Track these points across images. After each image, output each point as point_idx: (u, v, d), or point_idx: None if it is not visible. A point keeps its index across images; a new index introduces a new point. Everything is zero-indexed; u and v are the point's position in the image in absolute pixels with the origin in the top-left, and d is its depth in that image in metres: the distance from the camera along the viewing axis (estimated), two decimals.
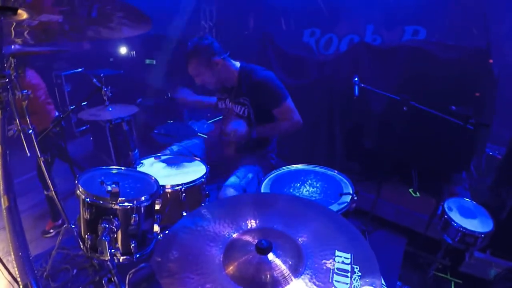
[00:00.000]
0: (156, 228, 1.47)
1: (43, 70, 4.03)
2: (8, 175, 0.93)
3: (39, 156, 1.76)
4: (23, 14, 0.90)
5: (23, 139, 1.54)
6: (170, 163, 1.91)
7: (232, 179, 1.78)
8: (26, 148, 1.54)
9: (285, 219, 0.99)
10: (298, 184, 1.57)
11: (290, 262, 0.82)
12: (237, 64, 1.92)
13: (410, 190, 2.80)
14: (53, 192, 1.86)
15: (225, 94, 1.98)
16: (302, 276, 0.80)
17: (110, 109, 2.00)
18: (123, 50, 4.53)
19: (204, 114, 4.38)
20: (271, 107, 1.85)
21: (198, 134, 3.79)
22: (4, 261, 1.01)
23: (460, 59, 2.47)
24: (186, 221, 1.06)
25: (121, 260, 1.34)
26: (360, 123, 2.98)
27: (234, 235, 0.94)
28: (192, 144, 2.16)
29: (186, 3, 4.51)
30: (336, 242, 0.89)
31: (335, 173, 1.68)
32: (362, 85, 2.17)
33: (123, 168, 1.60)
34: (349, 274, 0.79)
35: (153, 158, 1.94)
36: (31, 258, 0.93)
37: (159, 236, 1.47)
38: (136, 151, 1.89)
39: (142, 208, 1.35)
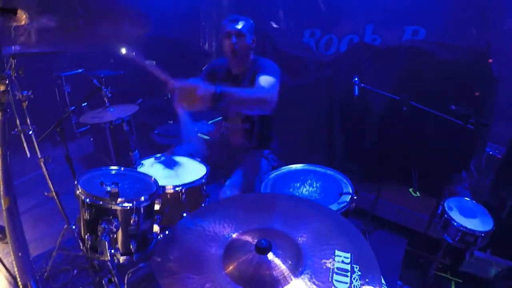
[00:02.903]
0: (156, 228, 1.47)
1: (43, 71, 4.03)
2: (8, 176, 0.94)
3: (39, 156, 1.76)
4: (22, 16, 0.90)
5: (23, 140, 1.54)
6: (170, 163, 1.91)
7: (233, 179, 1.79)
8: (26, 149, 1.55)
9: (285, 219, 0.99)
10: (298, 184, 1.57)
11: (289, 262, 0.83)
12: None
13: (410, 190, 2.80)
14: (54, 193, 1.86)
15: (228, 82, 1.98)
16: (302, 276, 0.80)
17: (112, 110, 2.00)
18: (123, 51, 4.53)
19: (205, 114, 4.38)
20: (258, 74, 1.77)
21: (198, 135, 3.79)
22: (4, 261, 1.01)
23: (460, 59, 2.47)
24: (186, 221, 1.07)
25: (121, 260, 1.34)
26: (360, 123, 2.98)
27: (234, 235, 0.94)
28: (192, 146, 2.16)
29: (186, 4, 4.52)
30: (336, 242, 0.89)
31: (334, 173, 1.68)
32: (362, 85, 2.18)
33: (122, 168, 1.60)
34: (349, 274, 0.79)
35: (153, 158, 1.94)
36: (31, 258, 0.93)
37: (159, 237, 1.48)
38: (136, 151, 1.89)
39: (142, 209, 1.35)
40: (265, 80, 1.71)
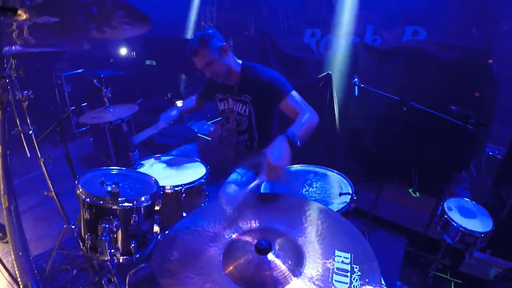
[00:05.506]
0: (156, 228, 1.47)
1: (43, 71, 4.04)
2: (8, 175, 0.94)
3: (39, 156, 1.76)
4: (22, 15, 0.90)
5: (23, 140, 1.54)
6: (170, 163, 1.91)
7: (233, 176, 1.78)
8: (26, 148, 1.55)
9: (285, 219, 0.99)
10: (298, 184, 1.57)
11: (289, 262, 0.83)
12: (239, 61, 1.93)
13: (410, 190, 2.80)
14: (53, 193, 1.86)
15: (227, 93, 1.98)
16: (302, 276, 0.80)
17: (112, 110, 2.00)
18: (123, 51, 4.54)
19: (204, 115, 4.39)
20: (276, 101, 1.77)
21: (198, 135, 3.78)
22: (4, 261, 1.01)
23: (460, 59, 2.47)
24: (186, 221, 1.07)
25: (121, 260, 1.34)
26: (360, 123, 2.98)
27: (234, 236, 0.94)
28: (192, 148, 2.16)
29: (186, 4, 4.52)
30: (335, 242, 0.90)
31: (334, 173, 1.68)
32: (362, 85, 2.18)
33: (123, 168, 1.60)
34: (348, 274, 0.79)
35: (153, 159, 1.95)
36: (31, 258, 0.93)
37: (159, 237, 1.48)
38: (136, 152, 1.89)
39: (142, 209, 1.35)
40: (290, 104, 1.72)
